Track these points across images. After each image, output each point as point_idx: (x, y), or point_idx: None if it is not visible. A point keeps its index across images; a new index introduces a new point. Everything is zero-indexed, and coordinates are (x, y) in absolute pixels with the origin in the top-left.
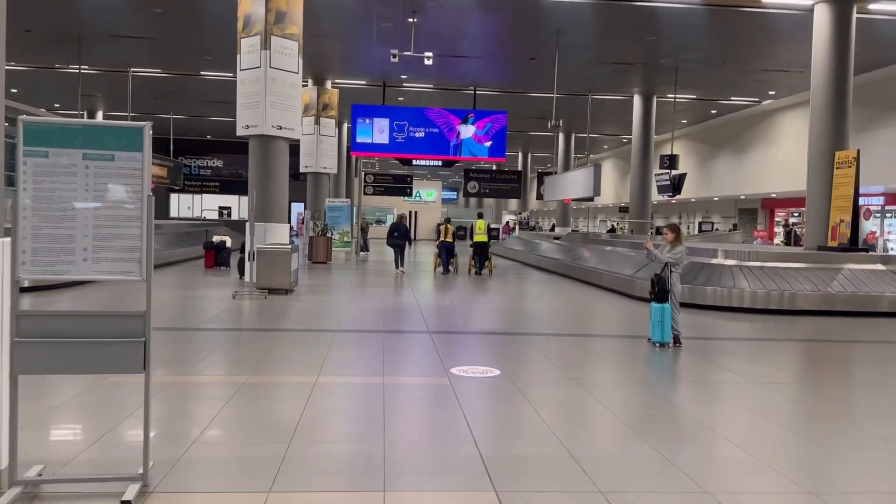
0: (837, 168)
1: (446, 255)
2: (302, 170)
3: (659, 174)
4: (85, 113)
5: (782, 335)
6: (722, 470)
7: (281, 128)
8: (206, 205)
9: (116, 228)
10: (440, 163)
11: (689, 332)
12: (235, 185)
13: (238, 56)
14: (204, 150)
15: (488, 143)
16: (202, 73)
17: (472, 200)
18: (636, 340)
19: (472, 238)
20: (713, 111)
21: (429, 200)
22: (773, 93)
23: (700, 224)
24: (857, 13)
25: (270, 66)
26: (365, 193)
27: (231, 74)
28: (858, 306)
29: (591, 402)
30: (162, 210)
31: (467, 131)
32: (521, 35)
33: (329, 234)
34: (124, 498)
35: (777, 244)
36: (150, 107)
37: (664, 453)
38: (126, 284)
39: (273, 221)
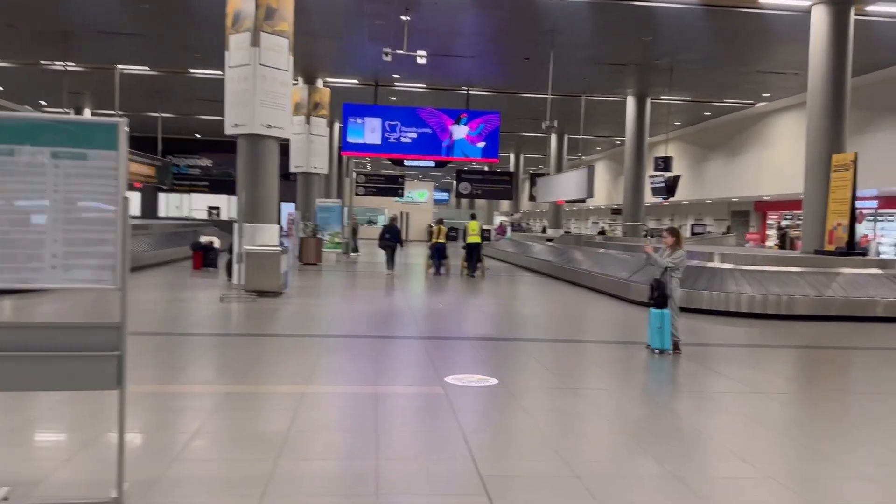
0: (835, 171)
1: (438, 256)
2: (292, 170)
3: (653, 176)
4: (72, 111)
5: (782, 341)
6: (729, 486)
7: (270, 126)
8: (196, 204)
9: (89, 233)
10: (433, 163)
11: (688, 337)
12: (225, 185)
13: (227, 53)
14: (193, 148)
15: (481, 144)
16: (191, 70)
17: (464, 201)
18: (634, 347)
19: (465, 239)
20: (707, 113)
21: (420, 201)
22: (768, 95)
23: (693, 227)
24: (855, 15)
25: (260, 64)
26: (356, 194)
27: (220, 72)
28: (856, 311)
29: (594, 414)
30: (150, 210)
31: (460, 132)
32: (515, 34)
33: (319, 235)
34: None
35: (770, 247)
36: (138, 105)
37: (670, 468)
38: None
39: (262, 222)
